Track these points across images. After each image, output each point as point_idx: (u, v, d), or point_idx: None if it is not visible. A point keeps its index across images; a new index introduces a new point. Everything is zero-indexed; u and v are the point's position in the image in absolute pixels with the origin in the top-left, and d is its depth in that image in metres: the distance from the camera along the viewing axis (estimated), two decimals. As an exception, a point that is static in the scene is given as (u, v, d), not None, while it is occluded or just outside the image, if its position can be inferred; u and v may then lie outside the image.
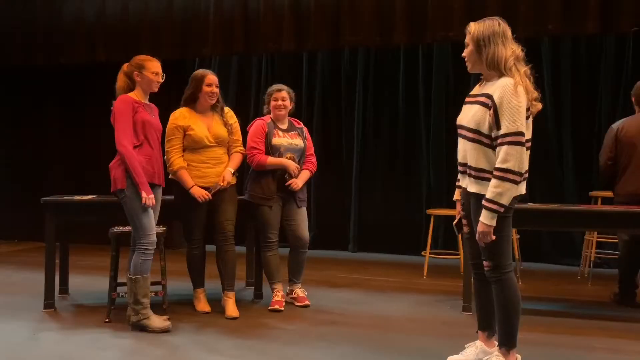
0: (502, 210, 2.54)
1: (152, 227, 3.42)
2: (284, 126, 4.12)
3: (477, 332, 2.94)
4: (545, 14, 4.93)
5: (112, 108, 3.45)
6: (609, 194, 4.51)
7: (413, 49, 6.31)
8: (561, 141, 5.92)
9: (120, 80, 3.53)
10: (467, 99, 2.80)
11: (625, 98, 5.08)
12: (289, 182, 4.01)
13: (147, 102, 3.55)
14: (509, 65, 2.58)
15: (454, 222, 2.95)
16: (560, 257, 5.84)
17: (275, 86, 4.18)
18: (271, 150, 4.00)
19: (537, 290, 4.70)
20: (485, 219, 2.54)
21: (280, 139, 4.04)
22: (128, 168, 3.33)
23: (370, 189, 6.55)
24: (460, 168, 2.78)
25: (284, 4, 5.62)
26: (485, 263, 2.68)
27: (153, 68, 3.49)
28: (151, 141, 3.47)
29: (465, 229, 2.85)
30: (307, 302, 4.11)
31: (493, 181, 2.53)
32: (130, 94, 3.49)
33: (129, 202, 3.37)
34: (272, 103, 4.10)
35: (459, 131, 2.75)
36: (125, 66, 3.54)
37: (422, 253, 5.45)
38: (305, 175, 4.10)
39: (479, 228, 2.57)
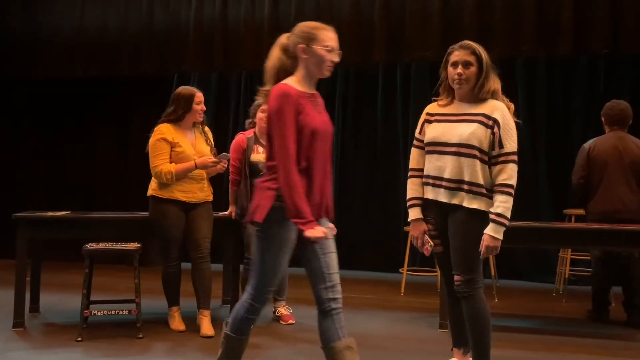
0: (507, 224, 2.62)
1: (274, 281, 2.47)
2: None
3: (452, 349, 2.94)
4: (519, 35, 5.05)
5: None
6: (582, 211, 4.58)
7: (391, 68, 6.39)
8: (536, 159, 6.01)
9: (274, 58, 2.40)
10: (450, 118, 2.75)
11: (598, 118, 5.18)
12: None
13: (313, 91, 2.41)
14: (500, 93, 2.74)
15: (418, 243, 2.86)
16: (535, 274, 5.89)
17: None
18: (249, 167, 3.97)
19: (512, 307, 4.74)
20: (496, 232, 2.61)
21: (259, 155, 3.99)
22: (285, 200, 2.26)
23: (348, 206, 6.54)
24: (451, 185, 2.69)
25: (264, 21, 5.66)
26: (456, 277, 2.70)
27: (328, 40, 2.34)
28: (315, 161, 2.33)
29: (438, 249, 2.82)
30: (291, 321, 4.08)
31: (502, 197, 2.61)
32: (290, 81, 2.34)
33: (262, 240, 2.38)
34: (259, 115, 4.02)
35: (445, 148, 2.71)
36: (283, 37, 2.42)
37: (400, 270, 5.46)
38: None
39: (488, 242, 2.60)
